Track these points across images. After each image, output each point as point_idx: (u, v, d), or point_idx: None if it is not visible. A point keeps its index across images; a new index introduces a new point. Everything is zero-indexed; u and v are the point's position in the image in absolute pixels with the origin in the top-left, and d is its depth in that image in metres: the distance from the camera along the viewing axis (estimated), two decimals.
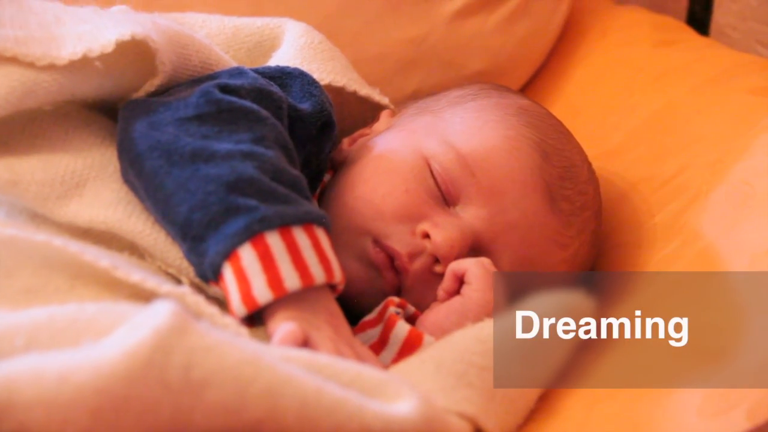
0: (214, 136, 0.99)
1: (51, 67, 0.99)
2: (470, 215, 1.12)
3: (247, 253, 0.94)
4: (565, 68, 1.54)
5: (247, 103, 1.03)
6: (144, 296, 0.92)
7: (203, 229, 0.95)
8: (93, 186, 1.02)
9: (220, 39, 1.27)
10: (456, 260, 1.08)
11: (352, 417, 0.81)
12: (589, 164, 1.21)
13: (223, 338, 0.79)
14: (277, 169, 0.99)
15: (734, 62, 1.36)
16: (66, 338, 0.82)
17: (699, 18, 1.60)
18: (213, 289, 0.98)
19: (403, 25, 1.49)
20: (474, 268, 1.07)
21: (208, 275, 0.96)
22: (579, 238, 1.16)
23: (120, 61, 1.03)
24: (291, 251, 0.95)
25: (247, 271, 0.93)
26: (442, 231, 1.09)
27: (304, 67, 1.19)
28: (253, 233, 0.94)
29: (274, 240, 0.95)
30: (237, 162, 0.97)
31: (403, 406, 0.85)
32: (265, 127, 1.02)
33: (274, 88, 1.08)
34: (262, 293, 0.93)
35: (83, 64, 1.01)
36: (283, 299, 0.94)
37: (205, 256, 0.95)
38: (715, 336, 0.99)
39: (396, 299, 1.08)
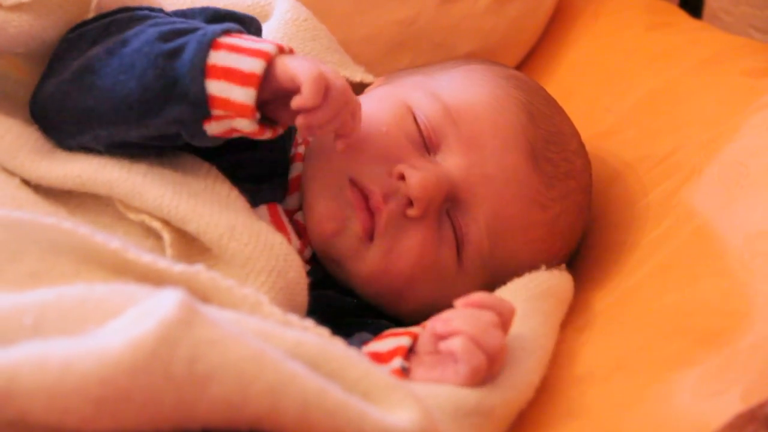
0: (116, 39, 1.02)
1: (18, 8, 1.02)
2: (449, 163, 1.11)
3: (217, 57, 0.98)
4: (557, 50, 1.54)
5: (129, 12, 1.06)
6: (153, 280, 0.92)
7: (163, 81, 0.98)
8: (63, 153, 1.04)
9: None
10: (443, 321, 0.98)
11: (350, 422, 0.81)
12: (580, 140, 1.22)
13: (229, 332, 0.79)
14: (188, 24, 1.03)
15: (727, 45, 1.36)
16: (74, 318, 0.82)
17: (692, 1, 1.60)
18: (195, 223, 1.00)
19: (393, 7, 1.49)
20: (464, 355, 0.96)
21: (200, 112, 0.98)
22: (561, 203, 1.16)
23: (79, 4, 1.07)
24: (246, 39, 1.00)
25: (229, 64, 0.98)
26: (417, 173, 1.08)
27: (284, 43, 1.20)
28: (209, 42, 0.98)
29: (227, 39, 0.99)
30: (151, 29, 1.01)
31: (403, 417, 0.84)
32: (155, 18, 1.05)
33: (151, 6, 1.11)
34: (254, 64, 0.98)
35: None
36: (274, 64, 0.99)
37: (186, 95, 0.98)
38: (710, 318, 1.00)
39: (407, 344, 1.01)
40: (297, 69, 0.99)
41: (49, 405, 0.74)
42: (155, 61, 0.98)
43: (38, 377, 0.74)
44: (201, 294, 0.92)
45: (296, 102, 0.98)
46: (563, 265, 1.16)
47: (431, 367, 0.98)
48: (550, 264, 1.14)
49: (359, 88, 1.30)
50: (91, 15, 1.07)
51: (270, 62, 0.99)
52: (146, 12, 1.07)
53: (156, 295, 0.81)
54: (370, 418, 0.82)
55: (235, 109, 0.98)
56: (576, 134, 1.21)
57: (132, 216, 1.01)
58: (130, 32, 1.02)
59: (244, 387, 0.78)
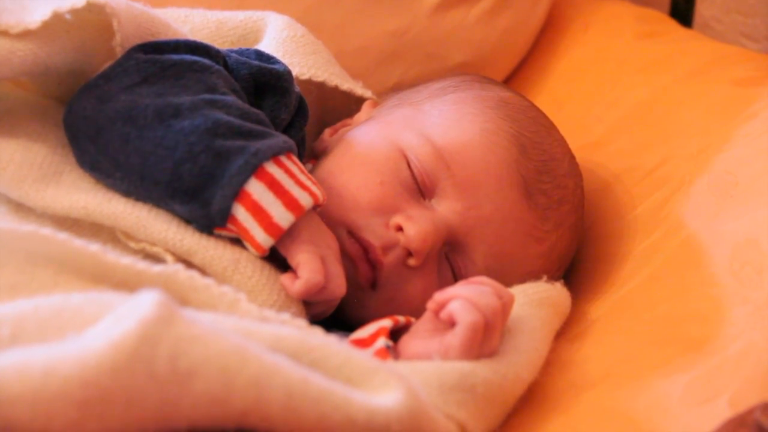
0: (168, 92, 1.01)
1: (25, 36, 1.01)
2: (445, 208, 1.11)
3: (255, 187, 0.98)
4: (547, 61, 1.54)
5: (187, 57, 1.04)
6: (131, 285, 0.91)
7: (197, 179, 0.98)
8: (70, 177, 1.03)
9: (204, 34, 1.27)
10: (440, 291, 1.00)
11: (337, 408, 0.81)
12: (572, 157, 1.21)
13: (210, 328, 0.79)
14: (242, 111, 1.02)
15: (717, 53, 1.36)
16: (52, 328, 0.82)
17: (682, 10, 1.60)
18: (201, 255, 1.00)
19: (385, 18, 1.49)
20: (461, 313, 0.97)
21: (215, 222, 0.99)
22: (556, 232, 1.16)
23: (86, 28, 1.04)
24: (290, 175, 1.00)
25: (262, 203, 0.98)
26: (415, 224, 1.08)
27: (286, 60, 1.19)
28: (254, 167, 0.98)
29: (273, 168, 0.99)
30: (206, 110, 1.00)
31: (388, 398, 0.84)
32: (212, 75, 1.04)
33: (210, 45, 1.09)
34: (284, 217, 0.98)
35: (55, 25, 1.02)
36: (295, 223, 0.99)
37: (210, 204, 0.98)
38: (697, 326, 1.00)
39: (388, 325, 1.04)
40: (303, 262, 1.00)
41: (34, 411, 0.74)
42: (197, 157, 0.97)
43: (21, 384, 0.74)
44: (179, 294, 0.92)
45: (285, 283, 1.00)
46: (562, 281, 1.16)
47: (429, 338, 0.99)
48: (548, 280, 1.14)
49: (357, 102, 1.30)
50: (118, 51, 1.04)
51: (300, 217, 1.00)
52: (206, 63, 1.05)
53: (133, 299, 0.80)
54: (356, 402, 0.82)
55: (249, 241, 0.99)
56: (567, 153, 1.21)
57: (132, 245, 1.01)
58: (187, 101, 1.00)
59: (228, 381, 0.78)
